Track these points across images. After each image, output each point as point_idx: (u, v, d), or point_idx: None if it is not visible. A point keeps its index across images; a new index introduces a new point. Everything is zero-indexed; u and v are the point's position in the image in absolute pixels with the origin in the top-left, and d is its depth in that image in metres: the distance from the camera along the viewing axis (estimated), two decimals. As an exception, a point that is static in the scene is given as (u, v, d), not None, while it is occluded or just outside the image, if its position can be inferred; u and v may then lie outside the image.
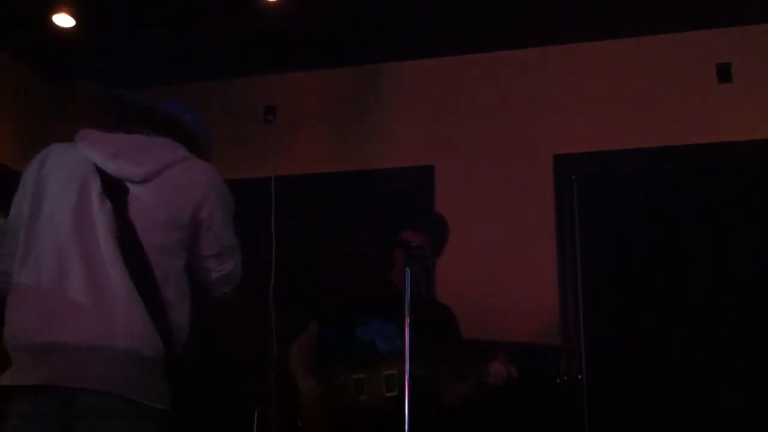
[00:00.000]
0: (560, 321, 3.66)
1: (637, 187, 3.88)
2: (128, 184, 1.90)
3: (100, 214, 1.87)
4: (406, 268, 2.36)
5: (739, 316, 3.57)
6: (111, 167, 1.92)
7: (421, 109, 4.14)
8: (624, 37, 3.90)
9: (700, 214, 3.75)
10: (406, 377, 2.23)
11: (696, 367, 3.56)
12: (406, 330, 2.30)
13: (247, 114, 4.36)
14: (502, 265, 3.80)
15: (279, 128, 4.27)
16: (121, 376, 1.76)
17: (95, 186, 1.90)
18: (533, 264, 3.77)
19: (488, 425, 3.35)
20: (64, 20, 3.78)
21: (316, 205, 4.26)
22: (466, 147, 4.01)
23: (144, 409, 1.77)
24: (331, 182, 4.20)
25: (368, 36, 4.00)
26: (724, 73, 3.76)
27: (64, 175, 1.94)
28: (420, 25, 3.86)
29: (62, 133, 4.45)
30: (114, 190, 1.89)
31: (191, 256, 2.00)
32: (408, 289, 2.33)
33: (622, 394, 3.59)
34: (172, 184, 1.93)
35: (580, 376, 3.50)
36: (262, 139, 4.27)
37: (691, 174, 3.80)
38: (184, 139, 2.11)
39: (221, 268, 2.07)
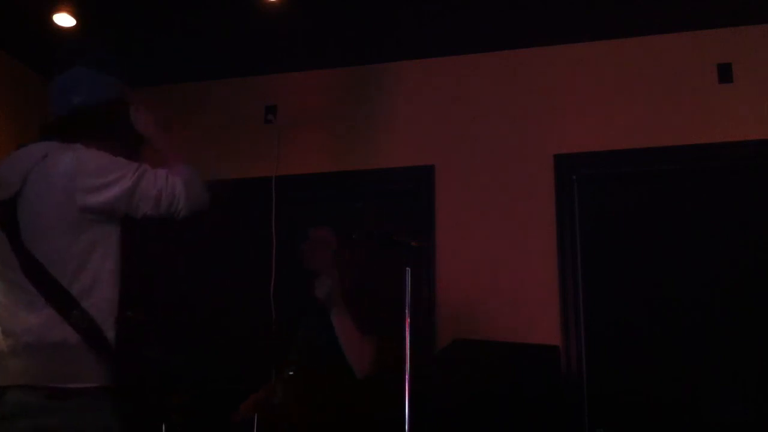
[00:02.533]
0: (560, 320, 3.66)
1: (637, 187, 3.88)
2: (18, 201, 2.01)
3: (4, 238, 2.01)
4: (406, 268, 2.35)
5: (739, 315, 3.57)
6: None
7: (421, 109, 4.13)
8: (625, 37, 3.90)
9: (700, 214, 3.75)
10: (406, 376, 2.22)
11: (696, 365, 3.57)
12: (407, 329, 2.29)
13: (247, 114, 4.36)
14: (502, 265, 3.80)
15: (279, 128, 4.27)
16: (29, 367, 1.91)
17: None
18: (533, 264, 3.77)
19: (488, 424, 3.35)
20: (64, 20, 3.78)
21: (316, 205, 4.26)
22: (466, 147, 4.01)
23: (52, 391, 1.88)
24: (331, 182, 4.19)
25: (368, 36, 4.00)
26: (725, 73, 3.76)
27: None
28: (420, 25, 3.86)
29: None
30: (5, 213, 2.01)
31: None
32: (408, 289, 2.33)
33: (622, 393, 3.59)
34: (36, 190, 2.01)
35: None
36: (263, 139, 4.27)
37: (691, 174, 3.80)
38: (72, 122, 2.17)
39: (137, 204, 2.07)
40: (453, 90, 4.11)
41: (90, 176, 2.02)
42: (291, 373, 2.81)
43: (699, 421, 3.49)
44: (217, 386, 3.89)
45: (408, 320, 2.31)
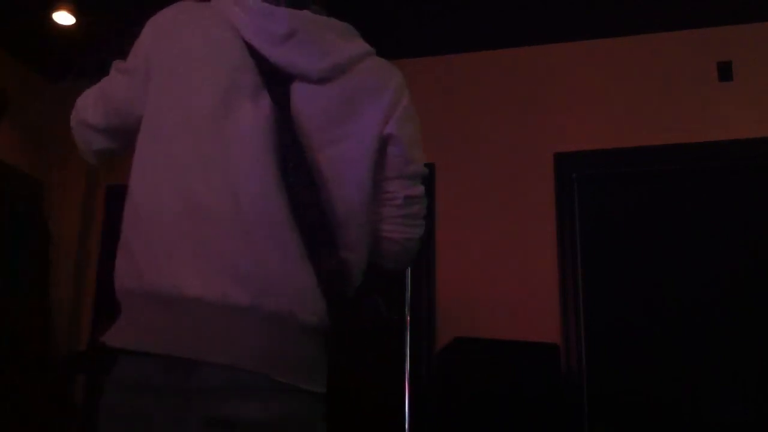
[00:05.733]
0: (560, 320, 3.66)
1: (638, 185, 3.88)
2: (298, 82, 1.36)
3: (252, 118, 1.32)
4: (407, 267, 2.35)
5: (739, 315, 3.57)
6: (278, 54, 1.36)
7: (421, 107, 4.07)
8: (625, 35, 3.90)
9: (700, 213, 3.75)
10: (406, 377, 2.23)
11: (696, 365, 3.56)
12: (407, 328, 2.29)
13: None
14: (503, 264, 3.80)
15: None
16: (265, 349, 1.25)
17: (249, 78, 1.35)
18: (533, 263, 3.76)
19: (488, 424, 3.35)
20: (64, 18, 3.77)
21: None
22: (467, 145, 4.01)
23: (296, 392, 1.26)
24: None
25: (368, 35, 3.99)
26: (725, 71, 3.75)
27: (201, 58, 1.37)
28: (420, 24, 3.85)
29: (61, 133, 4.44)
30: (276, 86, 1.34)
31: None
32: (408, 288, 2.33)
33: (622, 393, 3.59)
34: (359, 87, 1.42)
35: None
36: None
37: (691, 173, 3.80)
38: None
39: (397, 230, 1.48)
40: (453, 88, 4.11)
41: (413, 121, 1.56)
42: None
43: (699, 421, 3.48)
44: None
45: (408, 319, 2.31)
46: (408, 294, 2.33)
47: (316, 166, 1.32)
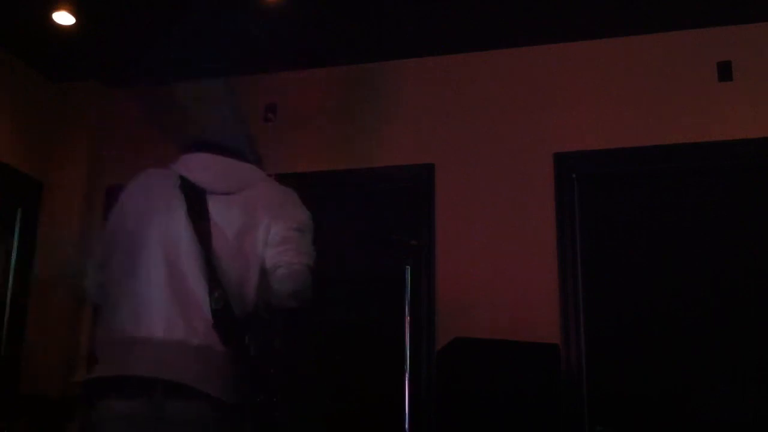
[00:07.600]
0: (560, 320, 3.66)
1: (638, 185, 3.88)
2: (212, 195, 2.05)
3: (183, 226, 2.01)
4: (406, 267, 2.35)
5: (738, 315, 3.57)
6: (198, 178, 2.09)
7: (421, 107, 4.13)
8: (625, 36, 3.90)
9: (700, 213, 3.75)
10: (406, 376, 2.23)
11: (696, 364, 3.56)
12: (407, 328, 2.29)
13: (247, 112, 4.34)
14: (502, 264, 3.80)
15: (279, 126, 4.26)
16: (193, 369, 1.88)
17: (181, 201, 2.05)
18: (533, 262, 3.76)
19: (488, 423, 3.35)
20: (64, 18, 3.78)
21: (316, 204, 4.25)
22: (466, 145, 4.01)
23: (205, 397, 1.86)
24: (331, 180, 4.19)
25: (368, 34, 4.00)
26: (725, 71, 3.76)
27: (157, 194, 2.12)
28: (420, 23, 3.85)
29: (61, 133, 4.46)
30: (197, 200, 2.05)
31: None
32: (408, 288, 2.33)
33: (622, 392, 3.59)
34: (253, 199, 2.08)
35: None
36: (263, 138, 4.26)
37: (692, 173, 3.80)
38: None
39: (282, 259, 2.05)
40: (453, 88, 4.11)
41: (296, 225, 2.15)
42: None
43: (698, 419, 3.48)
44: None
45: (408, 319, 2.31)
46: (408, 294, 2.33)
47: (229, 252, 1.98)
